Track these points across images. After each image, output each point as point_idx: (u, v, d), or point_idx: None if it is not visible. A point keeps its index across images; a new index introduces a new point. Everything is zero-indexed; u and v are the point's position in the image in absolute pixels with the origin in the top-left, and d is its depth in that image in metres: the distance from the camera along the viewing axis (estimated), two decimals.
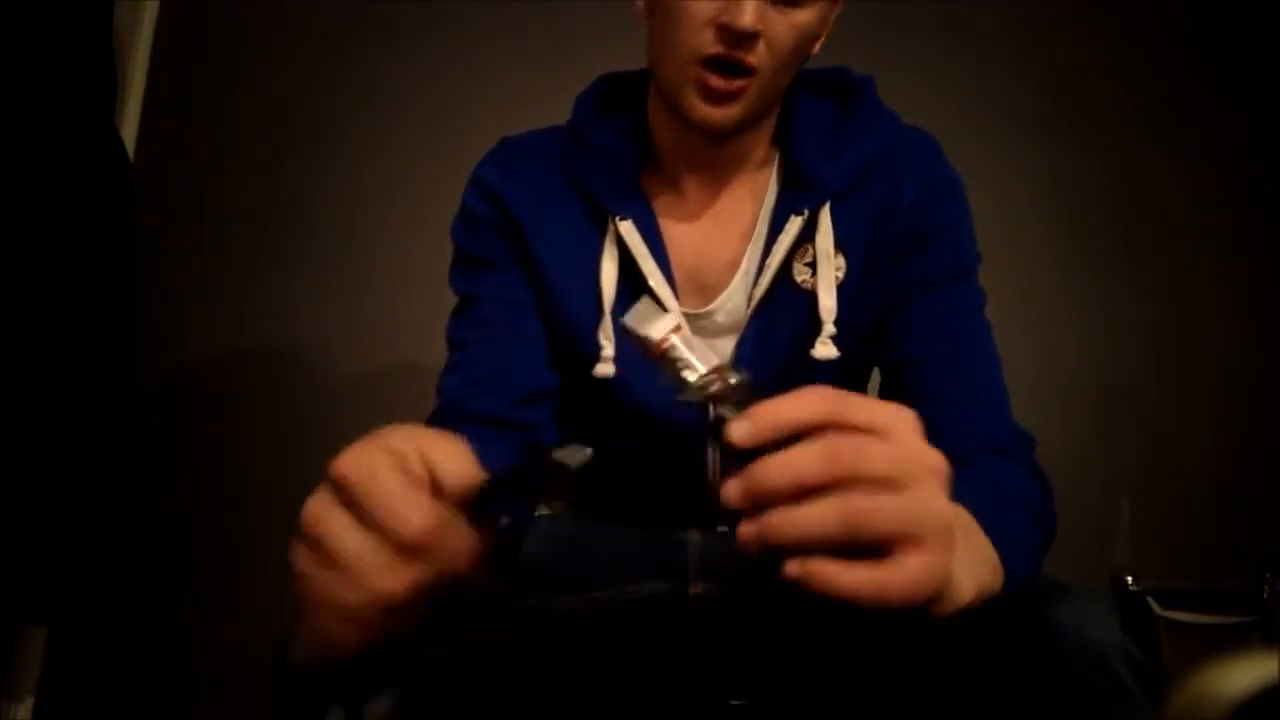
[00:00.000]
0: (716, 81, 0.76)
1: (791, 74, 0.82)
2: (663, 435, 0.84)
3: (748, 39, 0.74)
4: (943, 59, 1.65)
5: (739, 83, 0.76)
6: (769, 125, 0.88)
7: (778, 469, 0.45)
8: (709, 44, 0.75)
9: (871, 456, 0.45)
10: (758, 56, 0.76)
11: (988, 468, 0.74)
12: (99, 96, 1.38)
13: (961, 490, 0.67)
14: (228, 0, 1.65)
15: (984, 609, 0.62)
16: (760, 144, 0.88)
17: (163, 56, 1.64)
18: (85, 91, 1.34)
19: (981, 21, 1.66)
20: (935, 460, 0.46)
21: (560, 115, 0.97)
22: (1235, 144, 1.64)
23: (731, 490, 0.46)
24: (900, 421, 0.47)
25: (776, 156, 0.89)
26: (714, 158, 0.87)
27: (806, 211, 0.83)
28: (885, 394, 0.86)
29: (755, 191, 0.88)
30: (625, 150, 0.89)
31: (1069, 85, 1.66)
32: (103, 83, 1.38)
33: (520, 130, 0.96)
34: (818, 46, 0.86)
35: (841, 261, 0.85)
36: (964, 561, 0.51)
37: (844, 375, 0.87)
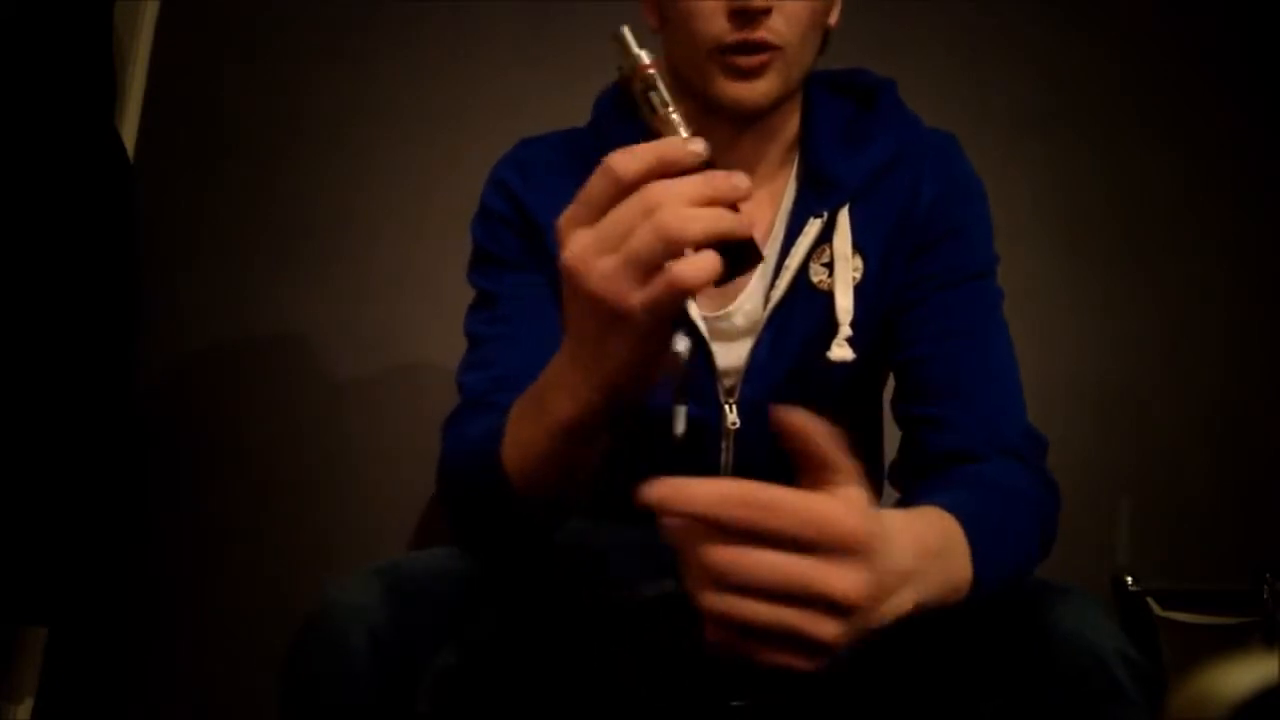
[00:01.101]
0: (742, 60, 0.77)
1: (815, 46, 0.83)
2: (671, 436, 0.84)
3: (761, 15, 0.75)
4: (943, 59, 1.65)
5: (763, 57, 0.77)
6: (789, 121, 0.88)
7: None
8: (726, 32, 0.77)
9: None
10: (776, 32, 0.77)
11: (993, 469, 0.74)
12: (99, 96, 1.38)
13: (957, 492, 0.67)
14: (228, 0, 1.65)
15: (976, 611, 0.62)
16: (780, 140, 0.88)
17: (163, 56, 1.64)
18: (85, 91, 1.34)
19: (981, 22, 1.66)
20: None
21: (562, 117, 0.97)
22: (1237, 144, 1.64)
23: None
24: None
25: (796, 158, 0.89)
26: (735, 153, 0.86)
27: (825, 213, 0.83)
28: (899, 394, 0.86)
29: (774, 192, 0.88)
30: None
31: (1069, 85, 1.66)
32: (103, 83, 1.38)
33: (517, 131, 0.97)
34: (835, 16, 0.86)
35: (859, 262, 0.84)
36: (909, 584, 0.53)
37: (859, 377, 0.86)
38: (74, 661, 1.47)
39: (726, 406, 0.86)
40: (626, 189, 0.50)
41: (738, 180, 0.51)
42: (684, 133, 0.53)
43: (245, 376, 1.57)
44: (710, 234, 0.50)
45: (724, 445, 0.87)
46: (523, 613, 0.74)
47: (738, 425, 0.86)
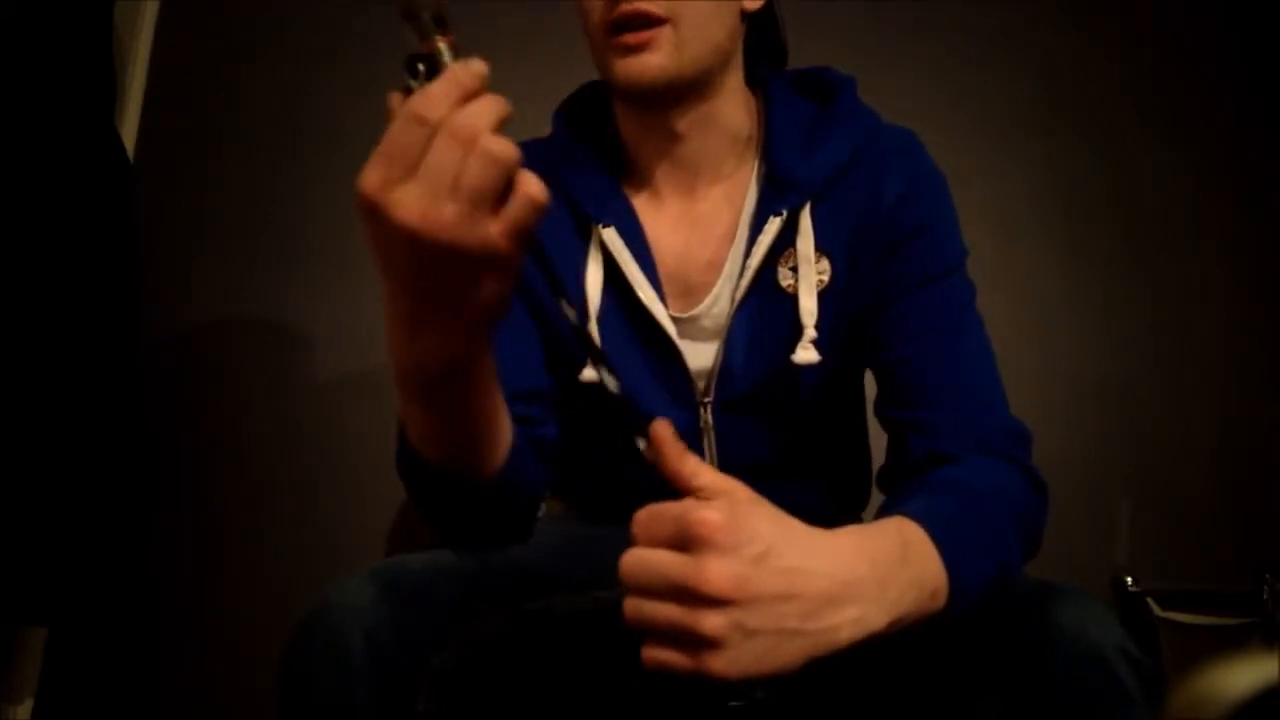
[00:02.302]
0: (626, 37, 0.77)
1: (724, 25, 0.82)
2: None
3: None
4: (943, 59, 1.65)
5: (647, 34, 0.77)
6: (737, 113, 0.87)
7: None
8: (604, 12, 0.78)
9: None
10: (661, 6, 0.77)
11: (969, 468, 0.73)
12: (99, 96, 1.38)
13: (926, 498, 0.67)
14: (228, 0, 1.65)
15: (973, 612, 0.62)
16: (729, 135, 0.87)
17: (163, 56, 1.64)
18: (85, 91, 1.34)
19: (981, 21, 1.66)
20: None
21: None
22: (1237, 144, 1.64)
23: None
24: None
25: (757, 158, 0.88)
26: (680, 145, 0.86)
27: (785, 213, 0.83)
28: (879, 397, 0.86)
29: (734, 193, 0.88)
30: (605, 157, 0.89)
31: (1069, 85, 1.66)
32: (103, 83, 1.38)
33: (513, 132, 0.96)
34: (754, 0, 0.85)
35: (826, 265, 0.84)
36: (871, 597, 0.54)
37: (831, 379, 0.86)
38: (74, 661, 1.47)
39: (701, 408, 0.87)
40: (435, 130, 0.50)
41: (479, 67, 0.52)
42: (449, 59, 0.52)
43: (245, 376, 1.57)
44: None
45: (704, 446, 0.87)
46: (521, 613, 0.74)
47: (712, 426, 0.86)
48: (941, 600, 0.59)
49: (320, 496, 1.52)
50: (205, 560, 1.51)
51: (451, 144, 0.49)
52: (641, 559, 0.52)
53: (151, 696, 1.47)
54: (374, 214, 0.51)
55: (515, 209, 0.51)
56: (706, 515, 0.50)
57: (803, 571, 0.52)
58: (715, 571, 0.49)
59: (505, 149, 0.50)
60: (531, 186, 0.51)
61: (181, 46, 1.64)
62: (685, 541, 0.50)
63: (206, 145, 1.62)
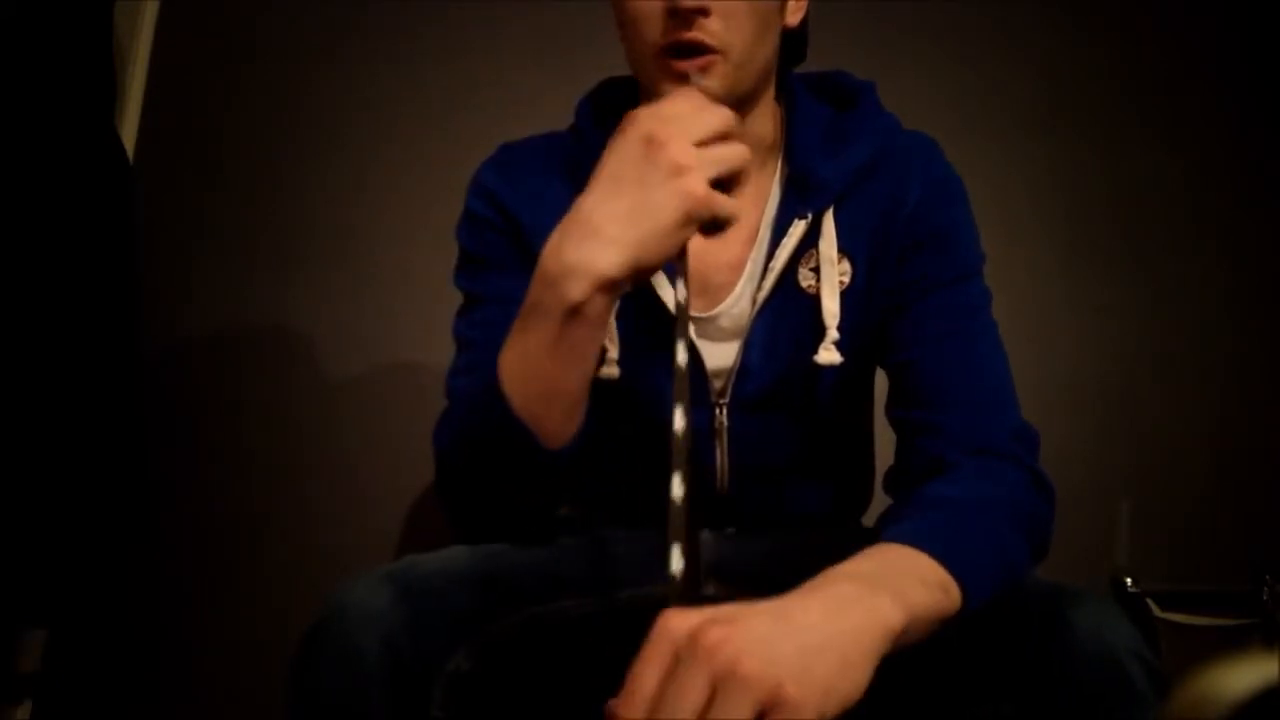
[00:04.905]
0: (680, 64, 0.77)
1: (770, 47, 0.83)
2: (668, 439, 0.84)
3: (694, 15, 0.76)
4: (943, 59, 1.65)
5: (701, 60, 0.77)
6: (765, 122, 0.88)
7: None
8: (661, 33, 0.77)
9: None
10: (714, 35, 0.77)
11: (975, 473, 0.74)
12: (99, 97, 1.38)
13: (907, 524, 0.67)
14: (228, 0, 1.65)
15: (990, 612, 0.62)
16: (755, 142, 0.87)
17: (163, 56, 1.64)
18: (85, 92, 1.34)
19: (981, 21, 1.66)
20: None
21: (557, 119, 0.97)
22: (1237, 144, 1.64)
23: None
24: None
25: (779, 161, 0.89)
26: None
27: (810, 215, 0.83)
28: (890, 397, 0.86)
29: (757, 195, 0.88)
30: None
31: (1069, 85, 1.66)
32: (103, 83, 1.38)
33: (516, 132, 0.97)
34: (794, 16, 0.86)
35: (847, 266, 0.85)
36: (884, 592, 0.54)
37: (848, 380, 0.87)
38: (74, 662, 1.47)
39: (717, 408, 0.87)
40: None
41: None
42: None
43: (245, 377, 1.57)
44: None
45: (717, 447, 0.87)
46: (535, 615, 0.74)
47: (726, 426, 0.87)
48: (956, 595, 0.59)
49: (320, 497, 1.52)
50: (205, 561, 1.51)
51: (723, 112, 0.67)
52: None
53: (151, 696, 1.47)
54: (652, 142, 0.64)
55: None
56: (673, 624, 0.48)
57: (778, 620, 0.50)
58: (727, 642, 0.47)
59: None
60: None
61: (181, 46, 1.64)
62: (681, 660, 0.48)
63: (206, 145, 1.62)
